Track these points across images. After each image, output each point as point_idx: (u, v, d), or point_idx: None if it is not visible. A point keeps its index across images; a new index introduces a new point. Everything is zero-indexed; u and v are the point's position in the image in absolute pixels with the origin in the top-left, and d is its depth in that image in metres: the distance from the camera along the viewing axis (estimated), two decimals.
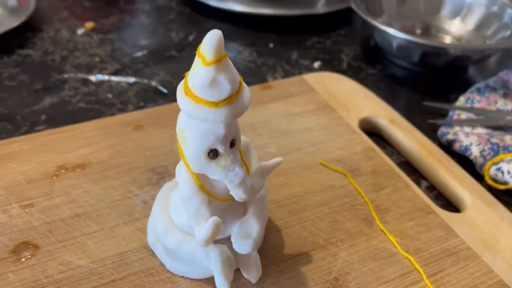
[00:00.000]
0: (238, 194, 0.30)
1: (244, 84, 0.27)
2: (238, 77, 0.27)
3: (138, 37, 0.63)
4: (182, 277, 0.33)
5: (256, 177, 0.31)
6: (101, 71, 0.56)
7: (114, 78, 0.55)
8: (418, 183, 0.44)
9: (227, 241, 0.32)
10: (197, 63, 0.26)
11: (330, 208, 0.39)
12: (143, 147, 0.43)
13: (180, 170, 0.31)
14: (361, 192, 0.41)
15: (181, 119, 0.29)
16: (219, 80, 0.25)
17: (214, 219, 0.28)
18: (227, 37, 0.61)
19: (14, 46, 0.58)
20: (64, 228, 0.36)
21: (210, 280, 0.33)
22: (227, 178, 0.29)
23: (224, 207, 0.32)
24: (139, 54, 0.60)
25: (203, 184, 0.30)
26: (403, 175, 0.43)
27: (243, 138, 0.33)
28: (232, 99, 0.26)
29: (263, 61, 0.61)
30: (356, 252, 0.35)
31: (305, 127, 0.48)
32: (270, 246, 0.36)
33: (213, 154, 0.28)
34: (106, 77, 0.55)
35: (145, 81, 0.55)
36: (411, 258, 0.35)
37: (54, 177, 0.40)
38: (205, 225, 0.28)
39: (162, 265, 0.34)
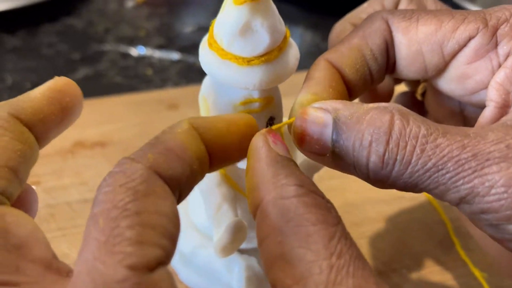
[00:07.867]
0: None
1: (291, 40, 0.20)
2: (283, 26, 0.19)
3: (189, 12, 0.57)
4: None
5: None
6: (144, 45, 0.50)
7: (157, 54, 0.49)
8: None
9: (256, 253, 0.25)
10: (226, 2, 0.18)
11: (395, 225, 0.31)
12: None
13: None
14: (438, 207, 0.32)
15: (205, 84, 0.22)
16: (254, 27, 0.18)
17: (236, 221, 0.21)
18: (288, 18, 0.54)
19: (59, 14, 0.55)
20: (68, 214, 0.30)
21: None
22: None
23: None
24: (188, 30, 0.54)
25: (229, 174, 0.23)
26: None
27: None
28: (271, 56, 0.18)
29: (327, 45, 0.53)
30: (426, 285, 0.29)
31: None
32: None
33: None
34: (148, 51, 0.49)
35: (191, 59, 0.48)
36: None
37: (69, 154, 0.34)
38: (223, 228, 0.21)
39: (174, 274, 0.27)
